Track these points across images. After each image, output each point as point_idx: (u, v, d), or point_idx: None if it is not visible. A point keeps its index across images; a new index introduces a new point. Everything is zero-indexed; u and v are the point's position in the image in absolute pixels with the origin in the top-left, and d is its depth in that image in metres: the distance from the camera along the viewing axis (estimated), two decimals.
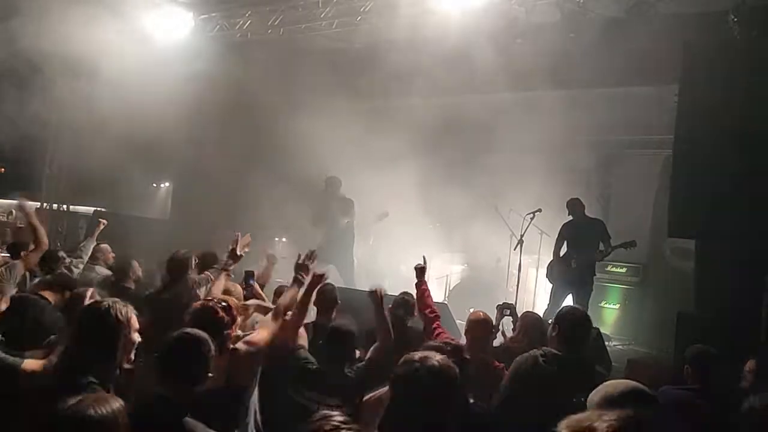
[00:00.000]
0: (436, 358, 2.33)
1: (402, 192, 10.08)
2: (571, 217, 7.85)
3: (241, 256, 4.42)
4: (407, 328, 4.81)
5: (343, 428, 1.88)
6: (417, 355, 2.37)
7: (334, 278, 8.56)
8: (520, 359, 3.62)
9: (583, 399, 3.10)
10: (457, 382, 2.30)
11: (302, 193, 10.47)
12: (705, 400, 3.77)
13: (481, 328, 4.36)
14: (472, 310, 4.62)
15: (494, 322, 4.76)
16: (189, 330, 2.79)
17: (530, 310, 6.04)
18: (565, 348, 3.52)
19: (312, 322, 4.52)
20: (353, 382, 3.73)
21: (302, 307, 3.89)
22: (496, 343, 4.86)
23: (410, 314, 4.93)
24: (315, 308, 4.56)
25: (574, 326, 3.59)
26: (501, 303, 5.34)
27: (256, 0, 9.59)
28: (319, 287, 4.10)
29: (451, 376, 2.29)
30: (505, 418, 3.34)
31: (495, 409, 3.45)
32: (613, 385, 2.53)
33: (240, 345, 3.25)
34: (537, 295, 8.99)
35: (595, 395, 2.48)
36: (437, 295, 9.01)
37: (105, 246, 6.30)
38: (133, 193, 13.29)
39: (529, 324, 4.86)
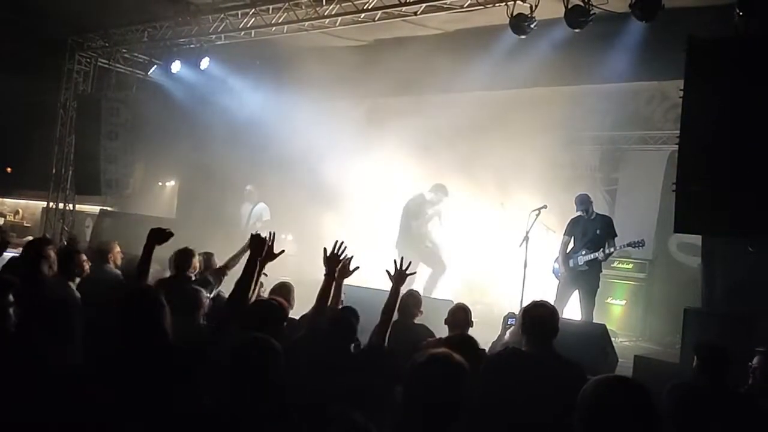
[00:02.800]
0: (449, 352, 2.44)
1: (406, 188, 10.08)
2: (579, 213, 7.83)
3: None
4: (414, 325, 4.84)
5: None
6: (429, 350, 2.49)
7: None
8: (489, 358, 3.71)
9: (549, 395, 3.17)
10: (467, 374, 2.38)
11: (307, 190, 10.51)
12: (713, 396, 3.77)
13: (460, 314, 4.62)
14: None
15: (500, 332, 4.85)
16: None
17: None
18: (531, 343, 3.57)
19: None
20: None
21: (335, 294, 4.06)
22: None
23: (417, 312, 4.96)
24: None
25: (534, 322, 3.62)
26: (506, 314, 5.41)
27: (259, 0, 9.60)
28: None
29: (463, 369, 2.38)
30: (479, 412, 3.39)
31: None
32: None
33: None
34: (542, 293, 8.98)
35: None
36: (443, 292, 9.01)
37: (115, 245, 6.30)
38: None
39: None
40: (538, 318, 3.63)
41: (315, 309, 3.95)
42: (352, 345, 3.84)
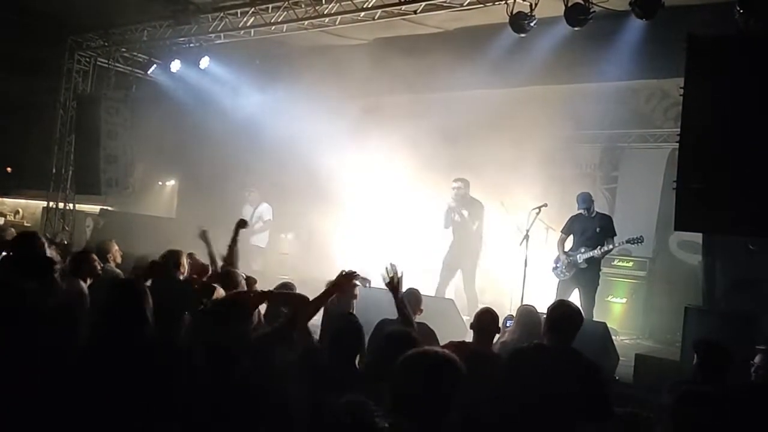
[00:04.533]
0: (440, 349, 2.48)
1: (405, 185, 10.09)
2: (579, 211, 7.83)
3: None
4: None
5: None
6: (422, 347, 2.51)
7: (456, 283, 8.75)
8: (512, 351, 3.78)
9: (570, 390, 3.21)
10: (460, 371, 2.37)
11: (307, 189, 10.50)
12: (713, 394, 3.76)
13: (486, 317, 4.48)
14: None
15: (500, 334, 4.85)
16: None
17: (528, 303, 6.06)
18: (554, 340, 3.63)
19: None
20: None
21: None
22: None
23: (417, 310, 4.94)
24: None
25: (557, 320, 3.69)
26: (506, 315, 5.44)
27: None
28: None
29: (455, 366, 2.37)
30: (499, 409, 3.43)
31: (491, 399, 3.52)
32: None
33: None
34: (542, 291, 8.98)
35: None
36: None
37: (114, 244, 6.30)
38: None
39: (523, 316, 4.92)
40: (563, 316, 3.70)
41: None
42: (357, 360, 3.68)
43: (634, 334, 9.12)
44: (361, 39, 10.53)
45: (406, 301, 4.76)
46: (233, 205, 11.35)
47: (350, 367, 3.64)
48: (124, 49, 12.03)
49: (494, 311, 4.59)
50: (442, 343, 4.32)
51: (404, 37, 9.94)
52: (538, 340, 3.85)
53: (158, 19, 10.76)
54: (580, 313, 3.86)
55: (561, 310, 3.79)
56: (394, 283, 4.09)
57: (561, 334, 3.65)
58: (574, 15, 7.22)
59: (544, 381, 3.42)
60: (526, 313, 5.02)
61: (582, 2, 7.20)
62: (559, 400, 3.31)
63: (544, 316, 3.99)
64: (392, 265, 4.09)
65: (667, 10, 6.87)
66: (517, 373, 3.59)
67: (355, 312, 4.82)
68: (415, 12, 8.64)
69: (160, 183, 15.23)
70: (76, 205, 12.74)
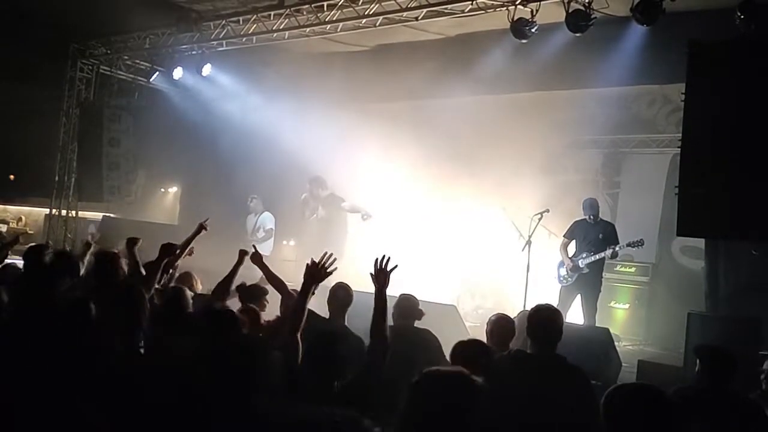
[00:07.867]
0: (460, 369, 2.29)
1: (407, 191, 10.10)
2: (584, 217, 7.80)
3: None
4: (418, 329, 4.79)
5: None
6: (440, 367, 2.34)
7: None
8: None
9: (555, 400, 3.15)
10: (479, 393, 2.19)
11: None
12: (715, 400, 3.75)
13: (503, 325, 4.40)
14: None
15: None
16: None
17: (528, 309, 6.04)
18: (536, 347, 3.58)
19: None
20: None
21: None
22: None
23: (417, 313, 4.90)
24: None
25: (538, 326, 3.61)
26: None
27: (260, 6, 9.63)
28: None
29: (475, 387, 2.20)
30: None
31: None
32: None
33: None
34: (545, 297, 8.96)
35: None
36: (445, 296, 9.00)
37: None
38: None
39: (523, 322, 4.90)
40: (542, 321, 3.63)
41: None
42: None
43: (637, 340, 9.10)
44: (363, 45, 10.55)
45: (403, 306, 4.74)
46: (235, 211, 11.36)
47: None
48: (126, 57, 12.06)
49: (510, 317, 4.49)
50: (444, 348, 4.31)
51: (406, 43, 9.96)
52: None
53: (161, 27, 10.79)
54: (560, 316, 3.75)
55: (540, 315, 3.67)
56: (378, 272, 3.46)
57: (542, 341, 3.56)
58: (575, 21, 7.23)
59: (527, 389, 3.31)
60: (524, 319, 4.99)
61: (583, 8, 7.21)
62: (543, 412, 3.21)
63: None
64: (384, 257, 3.51)
65: (668, 16, 6.87)
66: (499, 382, 3.43)
67: (346, 318, 4.72)
68: (416, 18, 8.66)
69: (162, 190, 15.24)
70: (79, 213, 12.75)
